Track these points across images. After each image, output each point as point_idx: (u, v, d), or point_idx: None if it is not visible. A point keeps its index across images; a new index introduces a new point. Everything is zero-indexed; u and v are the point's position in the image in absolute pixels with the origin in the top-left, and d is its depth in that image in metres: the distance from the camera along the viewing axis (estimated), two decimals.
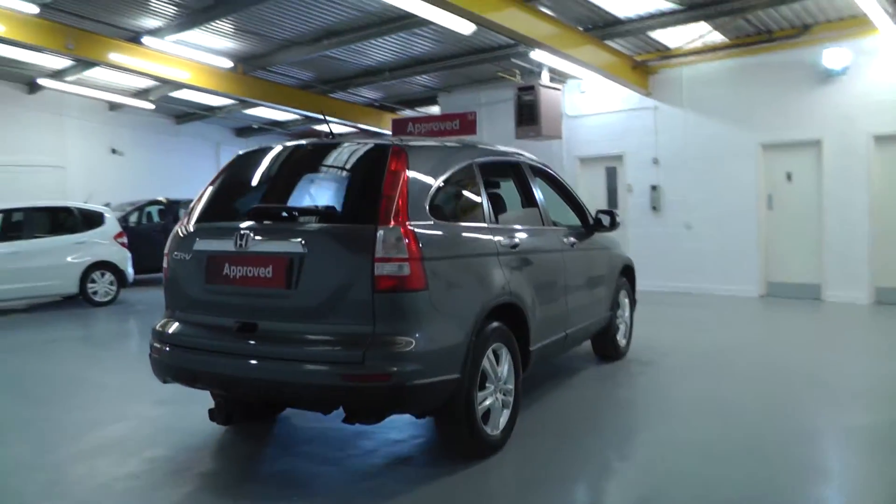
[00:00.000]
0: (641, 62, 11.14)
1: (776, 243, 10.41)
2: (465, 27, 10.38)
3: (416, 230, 3.47)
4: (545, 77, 11.50)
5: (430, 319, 3.47)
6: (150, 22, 11.07)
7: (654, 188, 11.47)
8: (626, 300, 6.56)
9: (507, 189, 5.19)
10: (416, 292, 3.41)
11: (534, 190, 5.03)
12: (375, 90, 15.31)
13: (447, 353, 3.55)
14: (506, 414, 4.14)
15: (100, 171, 16.68)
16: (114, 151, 17.13)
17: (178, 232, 4.07)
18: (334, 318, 3.45)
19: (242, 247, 3.65)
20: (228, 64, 12.69)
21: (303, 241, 3.50)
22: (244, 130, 20.47)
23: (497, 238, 4.18)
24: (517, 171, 5.05)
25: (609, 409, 4.96)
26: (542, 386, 5.59)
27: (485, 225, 4.16)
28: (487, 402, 3.93)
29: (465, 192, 4.29)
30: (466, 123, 11.46)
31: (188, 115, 18.39)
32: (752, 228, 10.48)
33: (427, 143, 4.21)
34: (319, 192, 3.82)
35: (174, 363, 3.84)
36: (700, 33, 10.14)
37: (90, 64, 12.78)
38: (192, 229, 3.98)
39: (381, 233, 3.38)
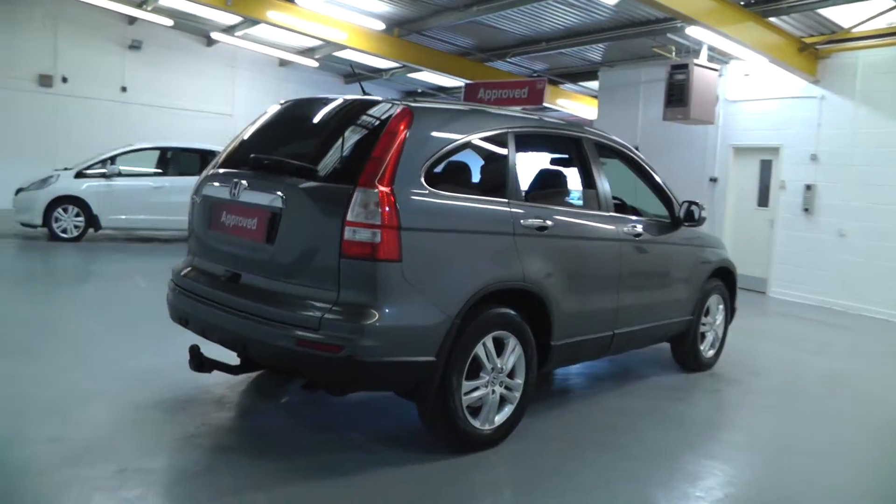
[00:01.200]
0: (810, 44, 9.77)
1: None
2: None
3: (398, 196, 3.19)
4: (703, 56, 10.48)
5: (401, 294, 3.20)
6: None
7: (808, 188, 10.11)
8: (720, 307, 5.81)
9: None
10: (386, 263, 3.15)
11: (594, 170, 4.52)
12: (536, 61, 14.81)
13: (420, 332, 3.26)
14: (507, 409, 3.79)
15: None
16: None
17: (201, 176, 4.10)
18: (304, 280, 3.28)
19: (235, 196, 3.59)
20: (381, 26, 12.82)
21: (283, 196, 3.36)
22: (410, 94, 20.85)
23: (518, 217, 3.77)
24: (578, 148, 4.55)
25: (650, 426, 4.38)
26: (591, 387, 5.14)
27: (503, 200, 3.77)
28: (477, 394, 3.60)
29: (485, 163, 3.91)
30: (535, 92, 10.83)
31: (355, 75, 18.99)
32: None
33: (447, 106, 3.88)
34: (323, 148, 3.62)
35: (176, 304, 3.89)
36: (880, 9, 8.64)
37: (254, 21, 13.53)
38: (209, 174, 4.00)
39: (356, 195, 3.14)
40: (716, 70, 10.45)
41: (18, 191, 10.69)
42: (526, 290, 3.78)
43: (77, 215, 10.58)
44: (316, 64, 17.19)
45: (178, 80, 16.59)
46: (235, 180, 3.61)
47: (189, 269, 3.98)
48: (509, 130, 3.93)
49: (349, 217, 3.12)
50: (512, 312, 3.71)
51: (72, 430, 3.56)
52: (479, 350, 3.55)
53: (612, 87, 13.52)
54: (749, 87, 11.05)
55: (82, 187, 10.56)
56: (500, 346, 3.69)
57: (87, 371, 4.59)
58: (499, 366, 3.68)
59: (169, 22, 14.68)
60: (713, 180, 11.56)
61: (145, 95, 16.10)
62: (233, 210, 3.64)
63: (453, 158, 3.69)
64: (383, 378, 3.27)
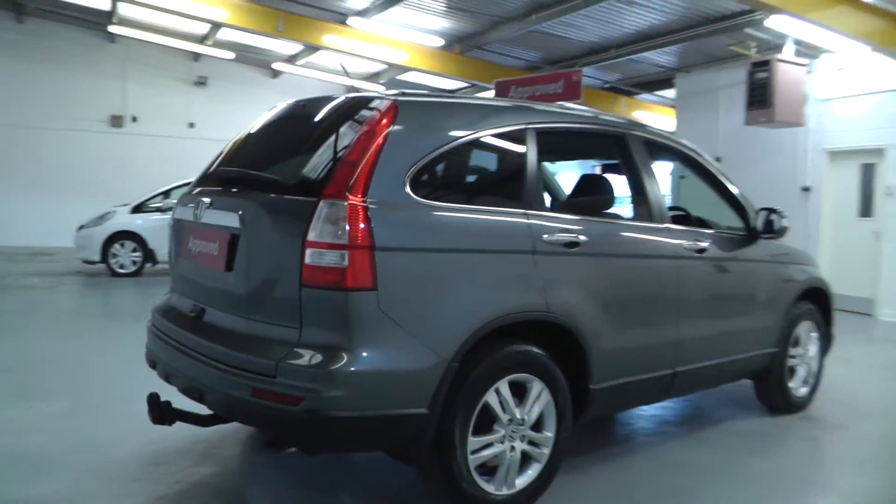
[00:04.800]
0: None
1: None
2: None
3: (373, 208, 2.57)
4: (787, 51, 9.46)
5: (379, 331, 2.55)
6: (356, 3, 11.16)
7: None
8: (814, 335, 4.86)
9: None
10: (358, 292, 2.52)
11: (642, 173, 3.75)
12: (606, 71, 13.91)
13: (405, 379, 2.60)
14: (533, 469, 3.06)
15: None
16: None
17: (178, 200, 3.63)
18: (264, 315, 2.71)
19: (198, 217, 3.07)
20: (439, 42, 12.35)
21: (241, 214, 2.80)
22: None
23: (540, 231, 3.06)
24: (621, 146, 3.79)
25: (714, 488, 3.49)
26: (652, 434, 4.31)
27: (520, 211, 3.07)
28: (490, 451, 2.89)
29: (497, 166, 3.24)
30: (570, 84, 9.89)
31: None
32: None
33: (444, 100, 3.26)
34: (294, 155, 3.07)
35: (149, 346, 3.40)
36: None
37: (312, 48, 13.38)
38: (182, 196, 3.52)
39: (320, 209, 2.54)
40: (803, 65, 9.38)
41: (80, 228, 10.77)
42: (552, 322, 3.06)
43: (134, 250, 10.55)
44: (382, 89, 16.97)
45: (244, 112, 16.56)
46: (200, 199, 3.10)
47: (163, 306, 3.49)
48: (528, 126, 3.23)
49: (310, 236, 2.52)
50: (535, 350, 3.00)
51: (38, 486, 3.15)
52: (490, 398, 2.86)
53: (689, 93, 12.60)
54: (843, 83, 9.89)
55: (137, 222, 10.56)
56: (521, 392, 2.99)
57: (82, 416, 4.20)
58: (518, 416, 2.96)
59: (230, 55, 14.83)
60: (805, 189, 10.41)
61: (213, 130, 16.25)
62: (197, 233, 3.13)
63: (453, 161, 3.06)
64: (359, 436, 2.62)
